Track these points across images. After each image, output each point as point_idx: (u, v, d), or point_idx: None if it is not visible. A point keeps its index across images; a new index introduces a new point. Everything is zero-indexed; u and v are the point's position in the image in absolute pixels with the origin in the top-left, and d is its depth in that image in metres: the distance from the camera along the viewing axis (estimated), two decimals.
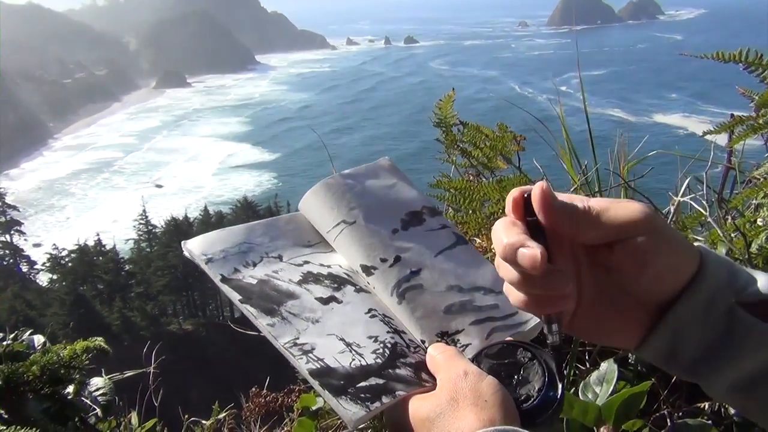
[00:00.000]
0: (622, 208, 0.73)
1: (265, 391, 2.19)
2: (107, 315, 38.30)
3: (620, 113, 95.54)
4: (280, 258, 0.95)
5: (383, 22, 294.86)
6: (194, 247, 0.93)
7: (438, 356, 0.83)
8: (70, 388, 1.54)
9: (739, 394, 0.73)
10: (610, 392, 1.20)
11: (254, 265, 0.93)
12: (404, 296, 0.91)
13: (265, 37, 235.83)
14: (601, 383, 1.23)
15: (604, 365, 1.26)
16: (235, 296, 0.87)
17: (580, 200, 0.75)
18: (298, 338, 0.83)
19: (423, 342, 0.88)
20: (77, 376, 1.49)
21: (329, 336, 0.85)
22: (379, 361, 0.83)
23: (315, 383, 0.79)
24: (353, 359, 0.82)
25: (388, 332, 0.88)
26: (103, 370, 1.80)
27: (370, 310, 0.90)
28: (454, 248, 0.99)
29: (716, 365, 0.73)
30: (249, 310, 0.86)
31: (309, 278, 0.93)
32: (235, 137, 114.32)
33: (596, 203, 0.74)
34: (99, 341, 1.51)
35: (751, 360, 0.71)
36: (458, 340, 0.89)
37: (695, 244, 0.75)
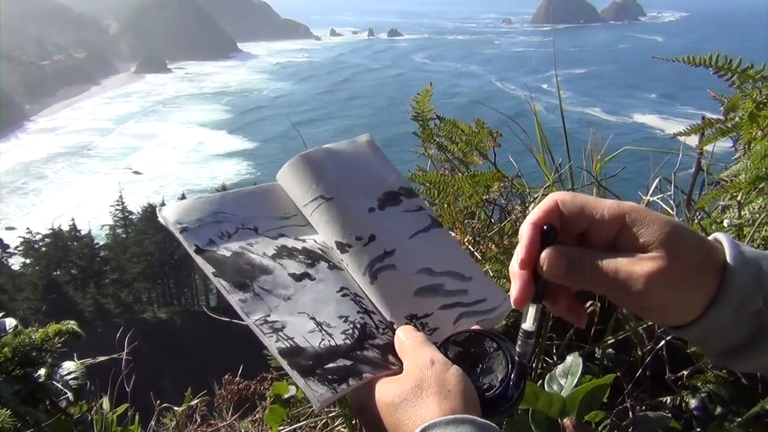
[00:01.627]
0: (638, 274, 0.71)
1: (238, 378, 2.20)
2: (80, 301, 37.75)
3: (599, 112, 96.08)
4: (255, 230, 0.95)
5: (368, 14, 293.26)
6: (169, 214, 0.92)
7: (406, 342, 0.84)
8: (42, 371, 1.54)
9: None
10: (574, 384, 1.22)
11: (229, 236, 0.92)
12: (376, 276, 0.91)
13: (249, 25, 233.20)
14: (566, 375, 1.26)
15: (569, 358, 1.29)
16: (208, 269, 0.86)
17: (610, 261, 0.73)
18: (269, 315, 0.83)
19: (392, 324, 0.88)
20: (49, 358, 1.49)
21: (300, 314, 0.85)
22: (348, 342, 0.83)
23: (284, 362, 0.80)
24: (323, 339, 0.83)
25: (358, 312, 0.88)
26: (75, 354, 1.80)
27: (342, 289, 0.90)
28: (429, 231, 1.00)
29: (746, 356, 0.74)
30: (222, 284, 0.85)
31: (283, 252, 0.92)
32: (214, 125, 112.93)
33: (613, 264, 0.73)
34: (71, 324, 1.51)
35: None
36: (426, 323, 0.90)
37: (727, 254, 0.72)
